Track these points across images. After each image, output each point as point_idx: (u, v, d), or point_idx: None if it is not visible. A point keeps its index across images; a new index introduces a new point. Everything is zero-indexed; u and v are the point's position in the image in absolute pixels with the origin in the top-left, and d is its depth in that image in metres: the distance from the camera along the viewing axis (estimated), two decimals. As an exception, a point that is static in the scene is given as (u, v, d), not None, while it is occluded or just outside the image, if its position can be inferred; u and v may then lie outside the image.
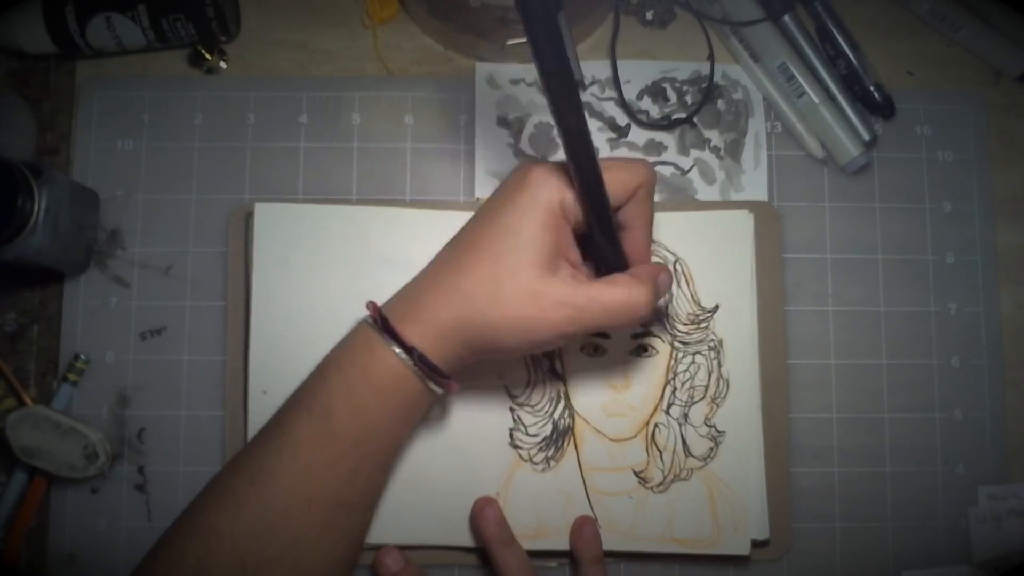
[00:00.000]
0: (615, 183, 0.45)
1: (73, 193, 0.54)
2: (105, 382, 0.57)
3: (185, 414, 0.56)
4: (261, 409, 0.54)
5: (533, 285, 0.44)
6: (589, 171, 0.43)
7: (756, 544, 0.55)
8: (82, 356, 0.56)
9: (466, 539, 0.54)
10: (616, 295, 0.45)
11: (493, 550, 0.52)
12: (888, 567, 0.57)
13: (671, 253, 0.56)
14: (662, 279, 0.47)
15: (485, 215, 0.47)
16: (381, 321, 0.46)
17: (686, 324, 0.55)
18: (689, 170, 0.60)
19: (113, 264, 0.58)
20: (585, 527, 0.53)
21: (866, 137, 0.59)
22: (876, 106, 0.60)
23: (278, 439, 0.46)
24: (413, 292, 0.47)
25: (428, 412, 0.52)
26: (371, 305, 0.47)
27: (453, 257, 0.47)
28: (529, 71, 0.60)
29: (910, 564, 0.57)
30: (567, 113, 0.40)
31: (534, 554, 0.55)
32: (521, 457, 0.55)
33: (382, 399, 0.46)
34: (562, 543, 0.54)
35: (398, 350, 0.45)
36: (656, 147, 0.60)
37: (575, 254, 0.47)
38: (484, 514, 0.53)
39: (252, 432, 0.54)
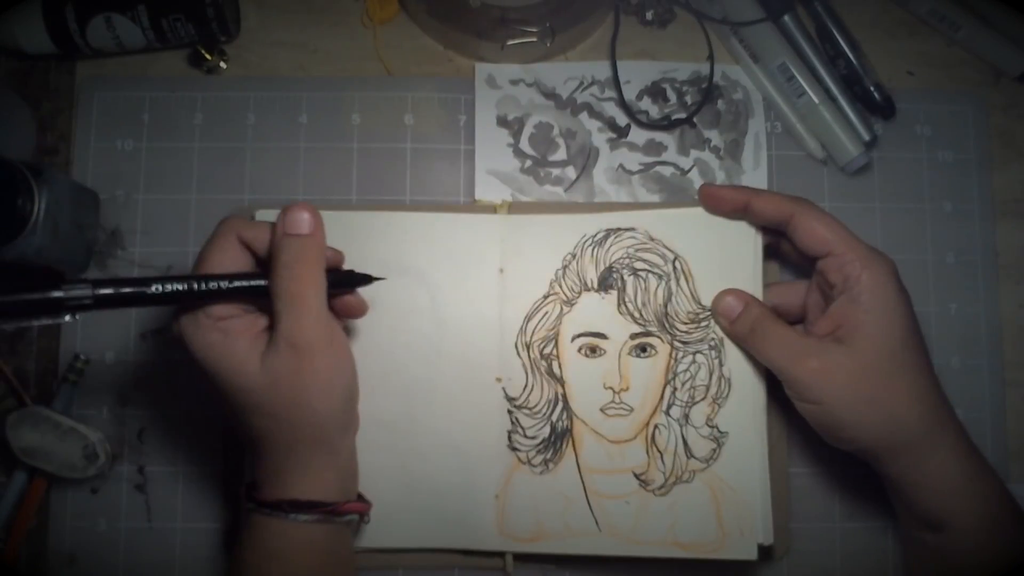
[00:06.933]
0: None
1: (73, 193, 0.54)
2: (105, 382, 0.57)
3: (185, 414, 0.56)
4: None
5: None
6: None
7: (762, 549, 0.53)
8: (82, 356, 0.56)
9: (465, 542, 0.54)
10: None
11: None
12: (888, 567, 0.56)
13: (670, 251, 0.55)
14: None
15: None
16: (271, 503, 0.46)
17: (686, 323, 0.55)
18: (689, 170, 0.60)
19: (113, 264, 0.58)
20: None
21: (866, 137, 0.59)
22: (876, 106, 0.60)
23: None
24: (268, 469, 0.47)
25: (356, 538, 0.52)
26: (243, 491, 0.48)
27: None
28: (529, 71, 0.60)
29: (910, 564, 0.57)
30: None
31: (533, 557, 0.54)
32: (519, 459, 0.54)
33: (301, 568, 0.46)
34: (561, 546, 0.53)
35: (298, 515, 0.45)
36: (656, 147, 0.60)
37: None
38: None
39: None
